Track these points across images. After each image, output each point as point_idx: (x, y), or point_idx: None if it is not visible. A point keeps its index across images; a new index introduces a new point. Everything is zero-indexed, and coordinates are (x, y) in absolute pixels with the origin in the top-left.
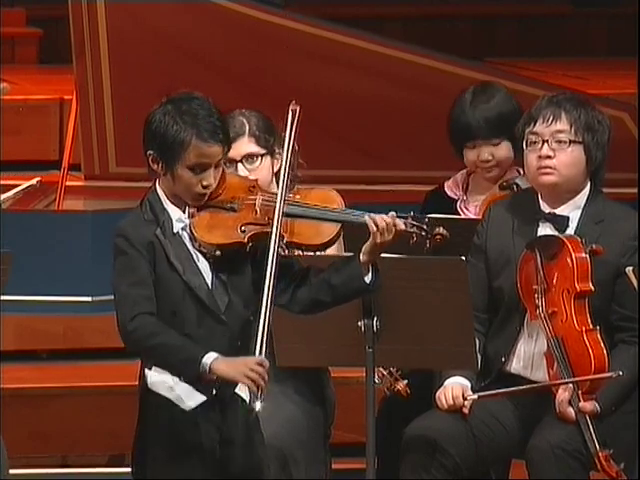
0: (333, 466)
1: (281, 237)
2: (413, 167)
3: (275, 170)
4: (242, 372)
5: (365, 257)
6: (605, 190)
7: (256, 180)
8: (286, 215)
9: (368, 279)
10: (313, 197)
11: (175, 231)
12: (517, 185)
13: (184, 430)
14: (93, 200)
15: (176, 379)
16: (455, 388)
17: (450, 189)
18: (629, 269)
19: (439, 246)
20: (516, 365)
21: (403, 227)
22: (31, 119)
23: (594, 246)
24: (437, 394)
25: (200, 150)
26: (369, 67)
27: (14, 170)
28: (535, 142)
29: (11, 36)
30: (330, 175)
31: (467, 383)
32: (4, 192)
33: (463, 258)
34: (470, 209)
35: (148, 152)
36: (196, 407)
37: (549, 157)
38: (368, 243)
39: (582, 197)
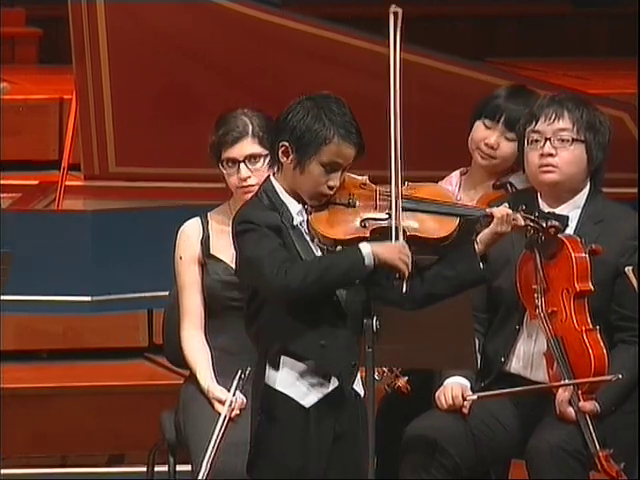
0: None
1: (403, 233)
2: (413, 167)
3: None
4: (397, 255)
5: (482, 247)
6: (605, 190)
7: (366, 178)
8: (406, 209)
9: (481, 269)
10: (426, 192)
11: (295, 223)
12: (511, 184)
13: (302, 426)
14: (93, 200)
15: (297, 374)
16: (455, 388)
17: None
18: (629, 269)
19: (551, 237)
20: (516, 365)
21: (522, 221)
22: (31, 119)
23: (593, 246)
24: (437, 394)
25: (339, 149)
26: (368, 67)
27: (14, 170)
28: (537, 140)
29: (11, 36)
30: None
31: (467, 383)
32: (3, 192)
33: None
34: (467, 201)
35: (282, 143)
36: (314, 404)
37: (551, 155)
38: (486, 233)
39: (582, 197)
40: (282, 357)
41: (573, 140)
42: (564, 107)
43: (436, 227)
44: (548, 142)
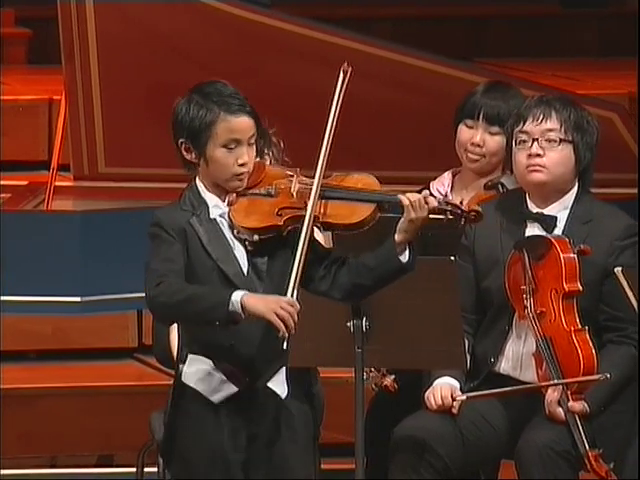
0: (322, 466)
1: (316, 218)
2: (403, 167)
3: None
4: (272, 309)
5: (399, 236)
6: (594, 190)
7: (296, 170)
8: (321, 197)
9: (404, 258)
10: (349, 181)
11: (212, 217)
12: (502, 185)
13: (212, 424)
14: (82, 200)
15: (209, 369)
16: (444, 388)
17: (436, 189)
18: (618, 269)
19: (473, 223)
20: (505, 365)
21: (436, 204)
22: (20, 119)
23: (582, 246)
24: (426, 394)
25: (229, 124)
26: (358, 68)
27: (3, 170)
28: (525, 141)
29: (0, 36)
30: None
31: (456, 383)
32: None
33: (453, 258)
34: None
35: (179, 142)
36: (224, 401)
37: (539, 155)
38: (402, 221)
39: (570, 197)
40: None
41: (561, 140)
42: (552, 107)
43: (349, 213)
44: (536, 142)
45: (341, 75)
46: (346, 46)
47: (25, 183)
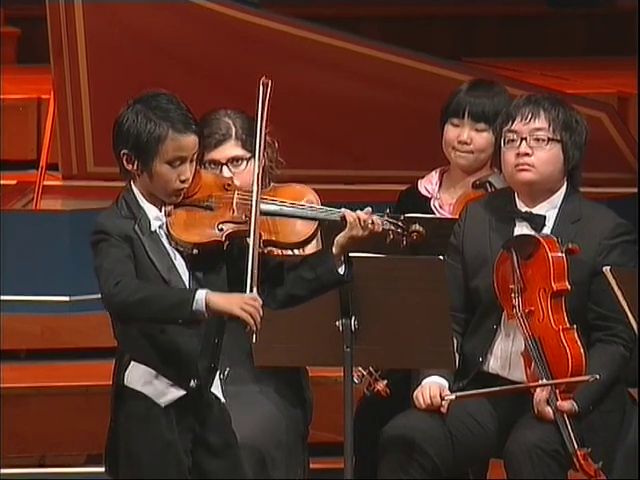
0: (311, 466)
1: (259, 236)
2: (392, 167)
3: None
4: (238, 305)
5: (337, 250)
6: (583, 190)
7: (231, 178)
8: (262, 213)
9: (342, 271)
10: (286, 194)
11: (153, 229)
12: (490, 184)
13: (158, 427)
14: (71, 200)
15: (154, 372)
16: (432, 388)
17: (424, 187)
18: (606, 269)
19: (415, 243)
20: (494, 365)
21: (379, 224)
22: (9, 119)
23: (570, 245)
24: (414, 394)
25: (177, 142)
26: (346, 67)
27: None
28: (513, 140)
29: None
30: (309, 175)
31: (444, 383)
32: None
33: (441, 258)
34: (445, 208)
35: (122, 152)
36: (172, 404)
37: (527, 154)
38: (342, 236)
39: (559, 196)
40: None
41: (549, 140)
42: (540, 107)
43: (293, 231)
44: (524, 142)
45: (261, 88)
46: (334, 45)
47: (14, 182)
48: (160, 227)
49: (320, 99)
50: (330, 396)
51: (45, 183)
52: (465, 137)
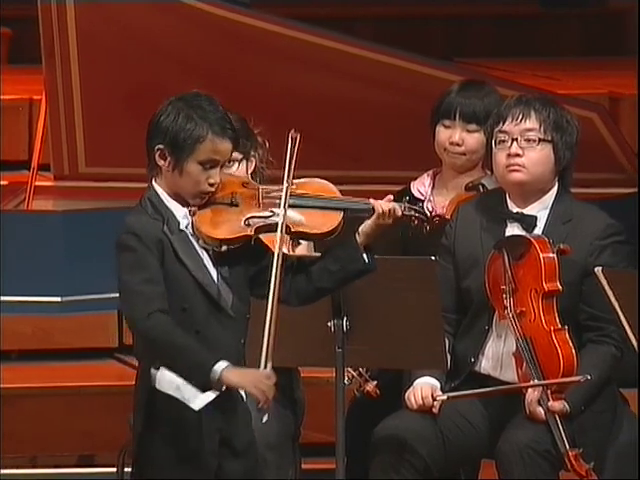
0: (303, 466)
1: (287, 228)
2: (387, 167)
3: (250, 172)
4: (252, 383)
5: (363, 239)
6: (574, 190)
7: (247, 176)
8: (290, 206)
9: (366, 259)
10: (310, 188)
11: (181, 228)
12: (483, 186)
13: (189, 430)
14: (63, 200)
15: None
16: (424, 388)
17: (417, 189)
18: (598, 269)
19: (437, 228)
20: (485, 365)
21: (401, 211)
22: (0, 119)
23: (562, 246)
24: (406, 394)
25: (214, 145)
26: (340, 67)
27: None
28: (504, 141)
29: None
30: (303, 175)
31: (436, 383)
32: None
33: (433, 258)
34: (437, 209)
35: (157, 147)
36: (204, 406)
37: (518, 155)
38: (368, 225)
39: (550, 197)
40: None
41: (540, 140)
42: (531, 107)
43: (321, 222)
44: (515, 142)
45: (290, 142)
46: (327, 46)
47: (5, 183)
48: (187, 226)
49: (314, 99)
50: (322, 397)
51: (37, 184)
52: (457, 138)
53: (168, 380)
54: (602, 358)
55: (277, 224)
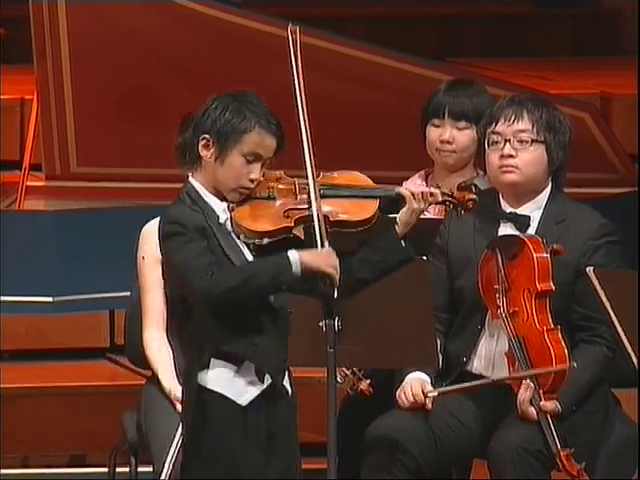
0: None
1: (326, 218)
2: (379, 167)
3: None
4: (326, 262)
5: (401, 228)
6: (566, 190)
7: (281, 172)
8: (325, 197)
9: (406, 249)
10: (343, 179)
11: (221, 221)
12: (476, 186)
13: (238, 427)
14: (54, 200)
15: (232, 372)
16: (414, 385)
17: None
18: (590, 269)
19: (471, 211)
20: (477, 365)
21: (438, 194)
22: None
23: (555, 246)
24: (397, 393)
25: (260, 139)
26: (332, 68)
27: None
28: (497, 142)
29: None
30: (296, 175)
31: (426, 378)
32: None
33: (425, 258)
34: (429, 209)
35: (202, 137)
36: (250, 402)
37: (511, 156)
38: (403, 213)
39: (543, 197)
40: (217, 358)
41: (533, 141)
42: (523, 108)
43: (358, 210)
44: (508, 143)
45: (290, 37)
46: (320, 46)
47: None
48: (225, 221)
49: (307, 99)
50: (313, 396)
51: (28, 183)
52: (447, 136)
53: (219, 375)
54: (594, 358)
55: (313, 213)
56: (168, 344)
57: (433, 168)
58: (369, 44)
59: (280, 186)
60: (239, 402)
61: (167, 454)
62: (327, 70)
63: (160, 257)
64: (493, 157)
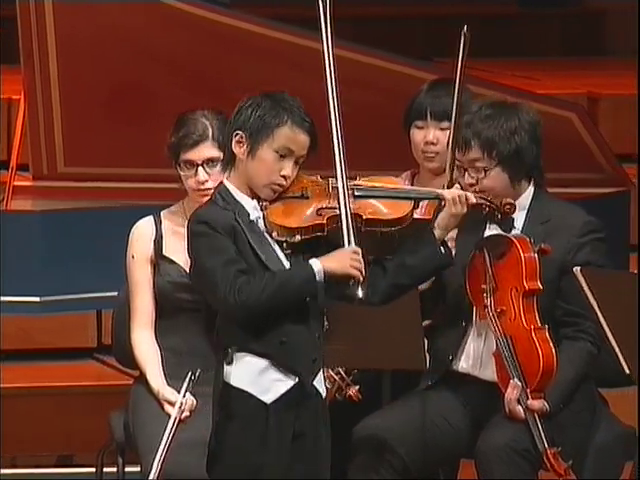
0: None
1: (358, 217)
2: (366, 167)
3: None
4: (347, 263)
5: (439, 232)
6: (554, 190)
7: (317, 176)
8: (358, 197)
9: (444, 254)
10: (378, 182)
11: (252, 219)
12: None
13: (263, 426)
14: (41, 200)
15: (259, 369)
16: None
17: None
18: (577, 269)
19: (508, 215)
20: (464, 363)
21: (475, 200)
22: None
23: (543, 245)
24: None
25: (292, 134)
26: (320, 68)
27: None
28: (459, 167)
29: None
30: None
31: None
32: None
33: None
34: (416, 210)
35: (236, 133)
36: (276, 400)
37: (474, 184)
38: (442, 217)
39: (526, 198)
40: (242, 354)
41: (486, 170)
42: (471, 131)
43: (391, 210)
44: (467, 173)
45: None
46: (307, 46)
47: None
48: (257, 219)
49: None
50: None
51: (15, 183)
52: (431, 137)
53: (244, 372)
54: (578, 354)
55: (346, 213)
56: (156, 344)
57: (419, 169)
58: (357, 44)
59: (314, 186)
60: (263, 400)
61: (156, 454)
62: (316, 70)
63: (149, 256)
64: (463, 182)
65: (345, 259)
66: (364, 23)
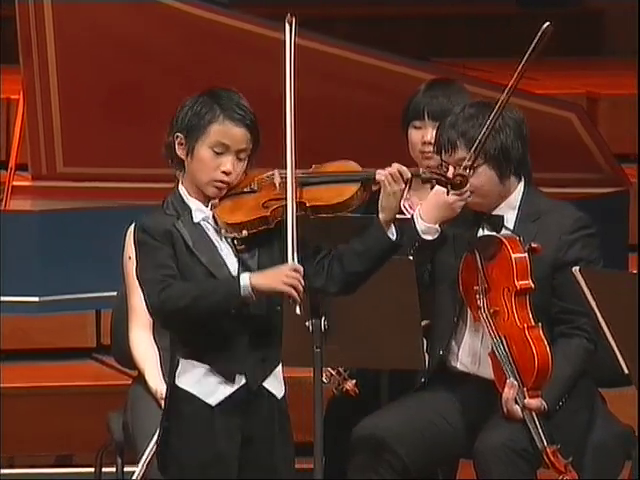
0: None
1: (302, 205)
2: (365, 167)
3: None
4: (280, 280)
5: (383, 214)
6: (553, 190)
7: (276, 170)
8: (302, 185)
9: (393, 236)
10: (330, 168)
11: (196, 221)
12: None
13: (207, 428)
14: (40, 200)
15: (203, 371)
16: None
17: None
18: (575, 269)
19: (461, 187)
20: (463, 360)
21: (409, 174)
22: None
23: (533, 244)
24: None
25: (224, 128)
26: (317, 68)
27: None
28: (448, 168)
29: None
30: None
31: None
32: None
33: (411, 258)
34: (414, 208)
35: (176, 135)
36: (221, 402)
37: None
38: (382, 197)
39: (516, 196)
40: (187, 359)
41: (473, 168)
42: (455, 132)
43: (335, 194)
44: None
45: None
46: (303, 45)
47: None
48: (204, 220)
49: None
50: (300, 396)
51: (14, 183)
52: (429, 137)
53: (189, 374)
54: (574, 351)
55: (287, 201)
56: (154, 344)
57: (418, 167)
58: (354, 44)
59: (263, 180)
60: (209, 402)
61: (142, 454)
62: (313, 70)
63: None
64: None
65: (279, 276)
66: (362, 23)
